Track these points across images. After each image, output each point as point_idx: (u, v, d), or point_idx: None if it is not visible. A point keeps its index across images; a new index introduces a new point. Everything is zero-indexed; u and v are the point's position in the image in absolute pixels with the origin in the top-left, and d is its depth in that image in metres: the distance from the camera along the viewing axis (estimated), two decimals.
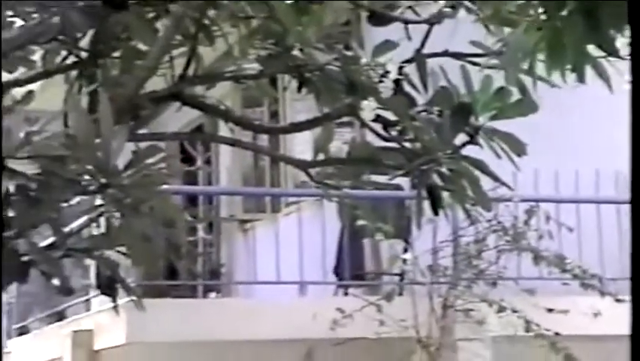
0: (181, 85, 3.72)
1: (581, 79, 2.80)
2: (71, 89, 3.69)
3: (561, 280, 8.58)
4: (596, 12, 2.62)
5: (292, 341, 8.12)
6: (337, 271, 9.30)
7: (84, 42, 3.66)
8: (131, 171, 3.02)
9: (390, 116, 3.62)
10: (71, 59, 3.70)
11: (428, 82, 3.60)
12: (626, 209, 9.18)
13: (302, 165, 3.90)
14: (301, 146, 10.17)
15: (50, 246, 3.10)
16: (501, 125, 3.48)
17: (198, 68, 3.75)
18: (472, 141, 3.46)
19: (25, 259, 2.99)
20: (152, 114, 4.00)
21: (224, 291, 11.32)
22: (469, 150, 3.48)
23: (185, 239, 10.45)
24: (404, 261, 8.82)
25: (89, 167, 2.99)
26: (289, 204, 10.95)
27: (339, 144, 5.37)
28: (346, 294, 9.01)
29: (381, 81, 3.62)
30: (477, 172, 3.47)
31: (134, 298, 3.33)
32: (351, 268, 9.13)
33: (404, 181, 3.94)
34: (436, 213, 3.54)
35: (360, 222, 8.18)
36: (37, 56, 3.70)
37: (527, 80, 3.17)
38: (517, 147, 3.46)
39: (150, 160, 3.06)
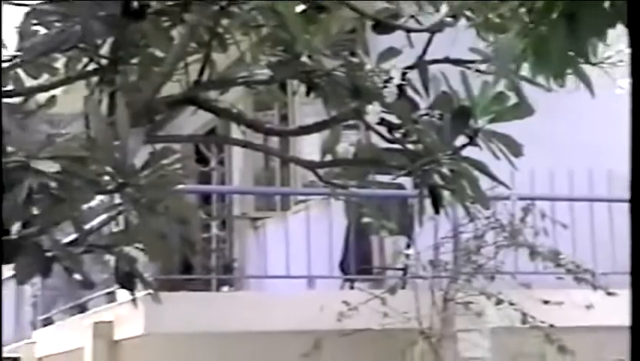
0: (196, 90, 3.72)
1: (562, 84, 2.81)
2: (92, 94, 3.68)
3: (556, 274, 8.57)
4: (577, 17, 2.62)
5: (301, 332, 8.11)
6: (343, 266, 9.29)
7: (104, 50, 3.66)
8: (148, 171, 3.02)
9: (393, 119, 3.62)
10: (92, 66, 3.70)
11: (430, 87, 3.60)
12: (618, 207, 9.19)
13: (310, 166, 3.90)
14: (310, 147, 10.16)
15: (72, 242, 3.10)
16: (499, 127, 3.47)
17: (212, 74, 3.75)
18: (472, 142, 3.46)
19: (48, 254, 3.00)
20: (167, 118, 4.01)
21: (236, 285, 11.31)
22: (469, 151, 3.48)
23: (200, 236, 10.49)
24: (407, 256, 8.81)
25: (108, 168, 2.99)
26: (298, 202, 10.95)
27: (346, 146, 5.37)
28: (352, 288, 8.99)
29: (385, 86, 3.62)
30: (476, 172, 3.47)
31: (152, 291, 3.33)
32: (356, 263, 9.12)
33: (407, 181, 3.94)
34: (437, 211, 3.54)
35: (366, 220, 8.18)
36: (60, 63, 3.71)
37: (524, 85, 3.17)
38: (514, 149, 3.45)
39: (166, 161, 3.06)
